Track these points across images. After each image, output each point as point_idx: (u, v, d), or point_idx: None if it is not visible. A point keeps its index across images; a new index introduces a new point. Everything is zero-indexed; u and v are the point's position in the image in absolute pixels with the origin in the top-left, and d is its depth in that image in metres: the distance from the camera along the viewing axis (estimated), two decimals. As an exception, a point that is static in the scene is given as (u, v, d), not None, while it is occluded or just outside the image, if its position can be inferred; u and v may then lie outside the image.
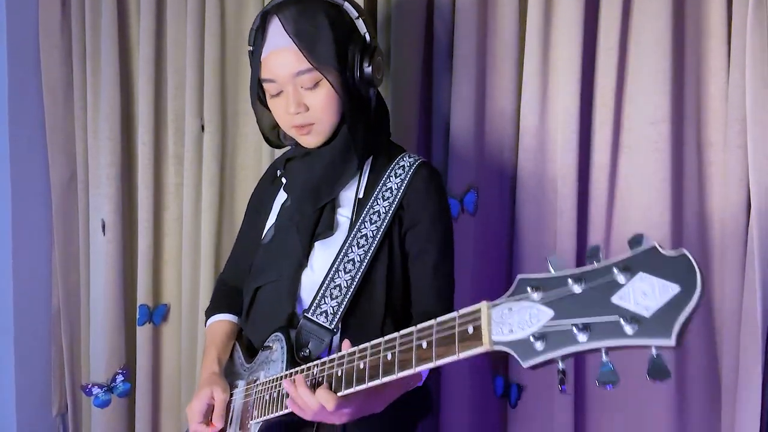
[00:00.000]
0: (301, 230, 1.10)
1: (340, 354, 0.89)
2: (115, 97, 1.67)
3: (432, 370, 0.99)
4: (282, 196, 1.18)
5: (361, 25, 1.10)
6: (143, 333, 1.69)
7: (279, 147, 1.23)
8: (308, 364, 0.95)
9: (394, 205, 1.08)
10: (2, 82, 1.72)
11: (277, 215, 1.17)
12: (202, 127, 1.62)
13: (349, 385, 0.85)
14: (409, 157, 1.12)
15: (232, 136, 1.65)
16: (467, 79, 1.38)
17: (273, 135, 1.21)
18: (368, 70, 1.07)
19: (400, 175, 1.10)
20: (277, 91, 1.08)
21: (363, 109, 1.11)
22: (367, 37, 1.09)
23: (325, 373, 0.90)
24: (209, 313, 1.25)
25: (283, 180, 1.18)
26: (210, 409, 1.08)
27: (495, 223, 1.43)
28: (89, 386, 1.74)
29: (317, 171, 1.12)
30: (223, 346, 1.17)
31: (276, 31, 1.06)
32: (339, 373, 0.87)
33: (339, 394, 0.86)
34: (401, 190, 1.09)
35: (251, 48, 1.12)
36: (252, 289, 1.15)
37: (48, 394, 1.88)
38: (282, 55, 1.05)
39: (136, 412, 1.72)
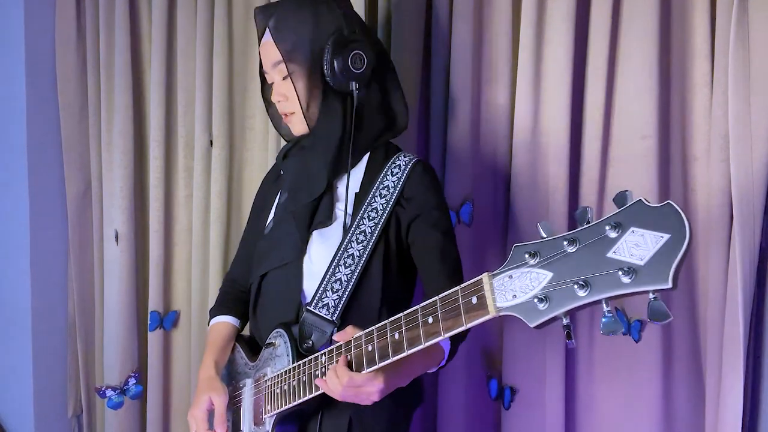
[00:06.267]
0: (298, 219, 1.13)
1: (346, 342, 0.93)
2: (128, 114, 1.70)
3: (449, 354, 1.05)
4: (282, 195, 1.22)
5: (341, 21, 1.12)
6: (154, 338, 1.72)
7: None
8: (315, 354, 0.98)
9: (391, 203, 1.10)
10: (21, 100, 1.76)
11: (275, 209, 1.21)
12: (211, 143, 1.65)
13: (360, 367, 0.89)
14: (405, 156, 1.15)
15: (239, 150, 1.68)
16: (463, 96, 1.42)
17: (280, 129, 1.27)
18: (338, 61, 1.09)
19: (397, 173, 1.13)
20: (270, 81, 1.16)
21: (343, 102, 1.12)
22: (345, 31, 1.11)
23: (334, 360, 0.94)
24: (213, 312, 1.28)
25: (281, 172, 1.23)
26: (211, 415, 1.11)
27: (490, 233, 1.47)
28: (103, 389, 1.77)
29: (309, 164, 1.16)
30: (221, 350, 1.20)
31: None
32: (349, 358, 0.91)
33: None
34: (398, 188, 1.11)
35: None
36: (257, 277, 1.18)
37: (64, 397, 1.91)
38: (265, 46, 1.14)
39: (148, 413, 1.75)
